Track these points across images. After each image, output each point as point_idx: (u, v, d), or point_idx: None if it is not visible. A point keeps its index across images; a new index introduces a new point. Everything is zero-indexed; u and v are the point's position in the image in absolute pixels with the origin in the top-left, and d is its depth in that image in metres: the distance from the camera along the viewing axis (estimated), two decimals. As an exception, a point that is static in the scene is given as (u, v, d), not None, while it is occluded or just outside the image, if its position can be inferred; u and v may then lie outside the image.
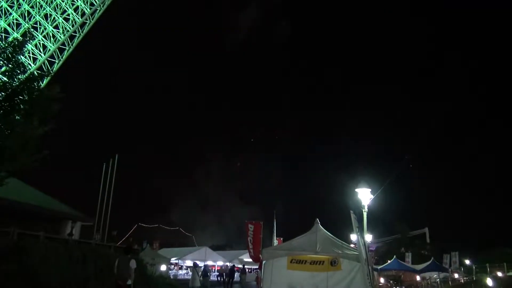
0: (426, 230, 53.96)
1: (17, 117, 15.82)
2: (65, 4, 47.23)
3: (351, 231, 26.56)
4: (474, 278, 33.95)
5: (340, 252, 12.93)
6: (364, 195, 19.29)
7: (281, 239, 31.89)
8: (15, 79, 15.21)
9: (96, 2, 48.85)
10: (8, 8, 44.68)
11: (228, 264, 40.34)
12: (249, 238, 19.83)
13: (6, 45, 15.32)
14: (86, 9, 48.33)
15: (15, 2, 45.03)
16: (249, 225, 20.38)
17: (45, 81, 22.95)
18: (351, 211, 14.42)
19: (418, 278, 35.28)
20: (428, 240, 53.22)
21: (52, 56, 46.39)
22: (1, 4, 44.13)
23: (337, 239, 15.07)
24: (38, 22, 46.23)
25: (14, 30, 44.35)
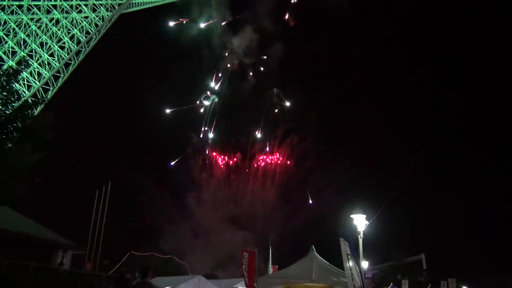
0: (423, 256, 53.31)
1: (9, 144, 15.74)
2: (61, 32, 47.83)
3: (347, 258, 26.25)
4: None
5: (336, 279, 12.77)
6: (360, 221, 19.15)
7: (276, 266, 31.40)
8: (9, 107, 15.21)
9: (92, 30, 49.54)
10: (4, 37, 45.14)
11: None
12: (244, 267, 19.45)
13: (1, 73, 15.40)
14: (82, 37, 48.95)
15: (11, 31, 45.55)
16: (244, 253, 20.05)
17: (38, 109, 22.94)
18: (341, 238, 14.31)
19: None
20: (425, 267, 52.59)
21: (46, 84, 46.59)
22: (-3, 33, 44.64)
23: (333, 266, 14.90)
24: (33, 50, 46.67)
25: (9, 58, 44.62)
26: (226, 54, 75.94)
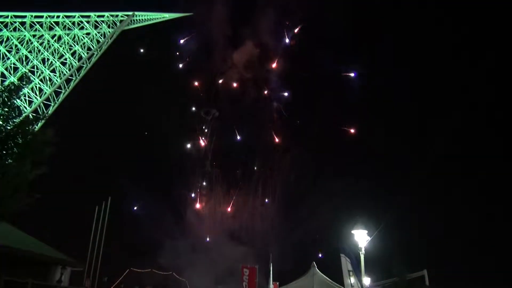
0: (425, 272, 52.73)
1: (9, 160, 15.72)
2: (63, 48, 48.36)
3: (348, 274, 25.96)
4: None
5: (338, 297, 12.60)
6: (361, 237, 19.02)
7: (277, 283, 31.01)
8: (10, 122, 15.24)
9: (93, 47, 50.08)
10: (6, 53, 45.61)
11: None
12: (244, 283, 19.29)
13: (3, 89, 15.47)
14: (84, 53, 49.46)
15: (14, 47, 46.05)
16: (244, 269, 19.94)
17: (39, 124, 23.00)
18: (342, 255, 14.19)
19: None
20: (427, 283, 51.91)
21: (47, 99, 46.81)
22: (-1, 49, 45.13)
23: (335, 283, 14.75)
24: (35, 66, 47.10)
25: (11, 74, 45.03)
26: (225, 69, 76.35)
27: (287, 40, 72.97)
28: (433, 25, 68.36)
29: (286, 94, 73.74)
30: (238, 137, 74.18)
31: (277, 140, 73.78)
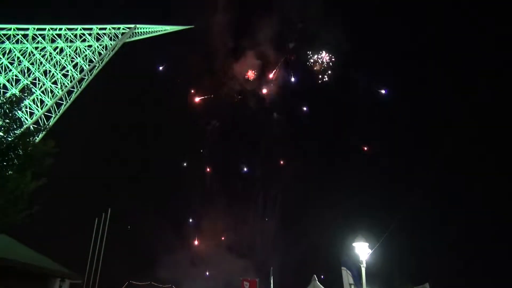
0: (427, 286, 52.16)
1: (9, 171, 15.70)
2: (65, 60, 48.71)
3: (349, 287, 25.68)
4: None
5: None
6: (362, 250, 18.89)
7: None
8: (11, 134, 15.27)
9: (95, 58, 50.46)
10: (8, 65, 45.90)
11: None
12: (244, 296, 19.09)
13: (4, 101, 15.54)
14: (85, 65, 49.81)
15: (16, 59, 46.38)
16: (245, 283, 19.78)
17: (40, 136, 23.03)
18: (343, 268, 14.08)
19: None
20: (430, 296, 51.34)
21: (49, 111, 46.96)
22: (1, 61, 45.40)
23: (336, 296, 14.58)
24: (37, 78, 47.35)
25: (13, 86, 45.24)
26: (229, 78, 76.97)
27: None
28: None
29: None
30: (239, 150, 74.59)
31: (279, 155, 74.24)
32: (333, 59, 71.55)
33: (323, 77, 71.56)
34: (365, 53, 70.34)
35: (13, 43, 46.51)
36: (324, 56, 72.03)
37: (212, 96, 75.49)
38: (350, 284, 14.00)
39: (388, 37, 70.15)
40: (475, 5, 63.65)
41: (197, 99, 75.15)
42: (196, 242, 66.09)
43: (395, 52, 70.84)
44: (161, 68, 71.21)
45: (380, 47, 71.28)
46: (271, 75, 75.56)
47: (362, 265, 18.63)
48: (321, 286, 18.44)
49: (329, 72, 71.48)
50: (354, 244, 19.01)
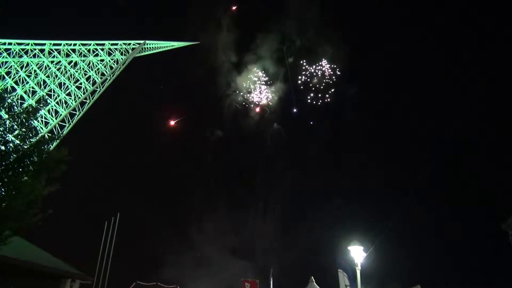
0: (419, 287, 51.85)
1: (25, 177, 16.77)
2: (79, 74, 50.70)
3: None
4: None
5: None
6: (357, 253, 19.56)
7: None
8: (27, 142, 16.36)
9: (106, 72, 52.35)
10: (26, 78, 47.99)
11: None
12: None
13: (21, 111, 16.69)
14: (97, 78, 51.75)
15: (33, 72, 48.46)
16: (246, 283, 20.46)
17: (54, 144, 24.21)
18: (339, 270, 14.82)
19: None
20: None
21: (63, 120, 48.80)
22: (19, 74, 47.53)
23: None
24: (52, 90, 49.34)
25: (29, 97, 47.24)
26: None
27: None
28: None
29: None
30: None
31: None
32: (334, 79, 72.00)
33: (324, 96, 72.07)
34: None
35: (31, 57, 48.76)
36: (326, 68, 72.59)
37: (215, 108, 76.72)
38: (346, 286, 14.72)
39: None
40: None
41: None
42: (199, 245, 66.90)
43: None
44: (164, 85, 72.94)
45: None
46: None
47: (357, 268, 19.28)
48: (318, 287, 19.16)
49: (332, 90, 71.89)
50: (349, 248, 19.68)
